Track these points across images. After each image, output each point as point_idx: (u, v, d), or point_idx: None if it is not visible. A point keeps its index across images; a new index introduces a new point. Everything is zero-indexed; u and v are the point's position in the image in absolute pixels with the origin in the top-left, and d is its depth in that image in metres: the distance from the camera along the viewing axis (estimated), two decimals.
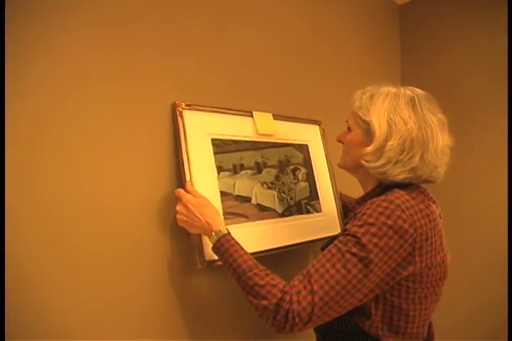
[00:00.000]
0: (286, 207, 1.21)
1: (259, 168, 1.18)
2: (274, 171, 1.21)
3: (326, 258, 0.81)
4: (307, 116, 1.39)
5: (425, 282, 0.87)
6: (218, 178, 1.07)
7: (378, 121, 0.90)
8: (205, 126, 1.08)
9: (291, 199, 1.23)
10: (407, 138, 0.88)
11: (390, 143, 0.88)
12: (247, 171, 1.14)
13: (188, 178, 1.00)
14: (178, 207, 0.95)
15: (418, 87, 0.96)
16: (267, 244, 1.11)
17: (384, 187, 0.94)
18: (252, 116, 1.20)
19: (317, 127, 1.42)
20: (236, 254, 0.87)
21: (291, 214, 1.22)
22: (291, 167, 1.27)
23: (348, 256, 0.79)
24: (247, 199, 1.12)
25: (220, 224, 0.93)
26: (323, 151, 1.40)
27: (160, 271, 0.95)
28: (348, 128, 1.01)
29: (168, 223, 0.99)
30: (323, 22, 1.60)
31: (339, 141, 1.05)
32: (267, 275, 0.84)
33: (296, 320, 0.77)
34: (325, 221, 1.32)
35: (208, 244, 0.98)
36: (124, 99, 0.95)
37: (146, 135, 0.99)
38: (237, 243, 0.90)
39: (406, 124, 0.88)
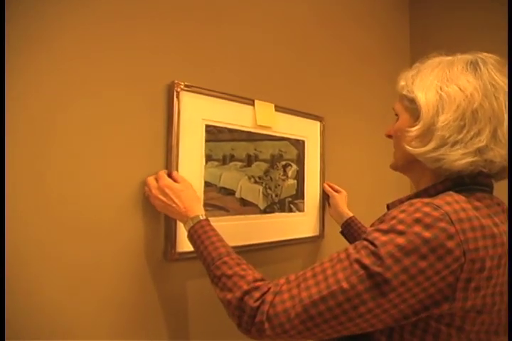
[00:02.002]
0: (269, 203, 1.18)
1: (249, 161, 1.13)
2: (264, 165, 1.17)
3: (331, 263, 0.64)
4: (310, 110, 1.33)
5: (467, 331, 0.63)
6: (205, 168, 1.02)
7: (425, 93, 0.69)
8: (201, 111, 1.02)
9: (276, 196, 1.20)
10: (467, 108, 0.65)
11: (442, 117, 0.66)
12: (237, 163, 1.09)
13: (174, 164, 0.95)
14: (154, 191, 0.87)
15: None
16: (244, 240, 1.09)
17: (442, 187, 0.70)
18: (253, 104, 1.14)
19: (318, 123, 1.36)
20: (207, 241, 0.78)
21: (273, 212, 1.19)
22: (283, 163, 1.23)
23: (355, 266, 0.60)
24: (231, 193, 1.08)
25: (198, 209, 0.85)
26: (319, 149, 1.36)
27: (131, 261, 0.90)
28: (396, 115, 0.80)
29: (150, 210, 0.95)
30: (332, 12, 1.52)
31: (388, 136, 0.83)
32: (238, 264, 0.73)
33: (266, 326, 0.63)
34: (305, 221, 1.30)
35: (181, 235, 0.95)
36: (119, 77, 0.88)
37: (141, 116, 0.92)
38: (213, 229, 0.82)
39: (463, 91, 0.66)
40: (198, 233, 0.81)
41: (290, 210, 1.25)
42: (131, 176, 0.91)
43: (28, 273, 0.76)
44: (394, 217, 0.63)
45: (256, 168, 1.15)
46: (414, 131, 0.70)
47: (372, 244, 0.61)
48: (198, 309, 1.02)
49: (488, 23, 1.78)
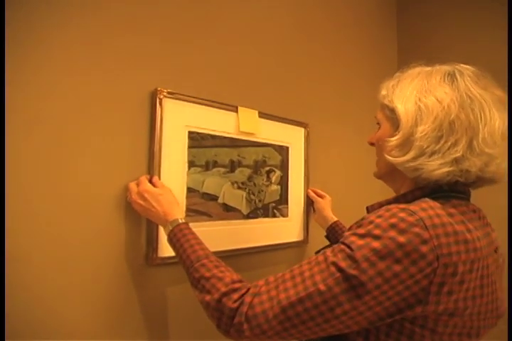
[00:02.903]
0: (252, 209, 1.19)
1: (232, 167, 1.14)
2: (247, 171, 1.18)
3: (309, 266, 0.66)
4: (294, 117, 1.35)
5: (440, 333, 0.65)
6: (188, 173, 1.03)
7: (404, 104, 0.71)
8: (184, 117, 1.03)
9: (259, 201, 1.21)
10: (444, 120, 0.67)
11: (421, 128, 0.67)
12: (220, 169, 1.11)
13: (156, 170, 0.96)
14: (134, 196, 0.89)
15: None
16: (227, 245, 1.10)
17: (420, 193, 0.72)
18: (236, 111, 1.15)
19: (302, 130, 1.38)
20: (186, 244, 0.80)
21: (256, 217, 1.20)
22: (267, 168, 1.24)
23: (332, 269, 0.62)
24: (214, 198, 1.09)
25: (176, 213, 0.87)
26: (303, 155, 1.38)
27: (112, 266, 0.91)
28: (378, 124, 0.82)
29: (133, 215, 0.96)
30: (317, 18, 1.54)
31: (371, 144, 0.85)
32: (216, 267, 0.74)
33: (244, 326, 0.65)
34: (289, 226, 1.31)
35: (163, 239, 0.96)
36: (102, 82, 0.90)
37: (123, 122, 0.93)
38: (192, 232, 0.83)
39: (441, 103, 0.68)
40: (177, 237, 0.83)
41: (274, 215, 1.26)
42: (113, 182, 0.92)
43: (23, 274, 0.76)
44: (371, 222, 0.64)
45: (239, 173, 1.16)
46: (394, 140, 0.72)
47: (348, 247, 0.63)
48: (179, 313, 1.02)
49: (475, 32, 1.81)
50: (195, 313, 1.05)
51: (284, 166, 1.30)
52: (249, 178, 1.19)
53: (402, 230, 0.61)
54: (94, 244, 0.88)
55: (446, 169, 0.67)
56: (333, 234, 1.27)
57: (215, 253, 1.09)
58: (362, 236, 0.63)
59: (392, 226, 0.62)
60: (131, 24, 0.95)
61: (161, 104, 0.98)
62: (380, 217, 0.64)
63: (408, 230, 0.61)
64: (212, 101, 1.10)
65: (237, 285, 0.70)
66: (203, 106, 1.07)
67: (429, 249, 0.60)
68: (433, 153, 0.67)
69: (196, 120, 1.06)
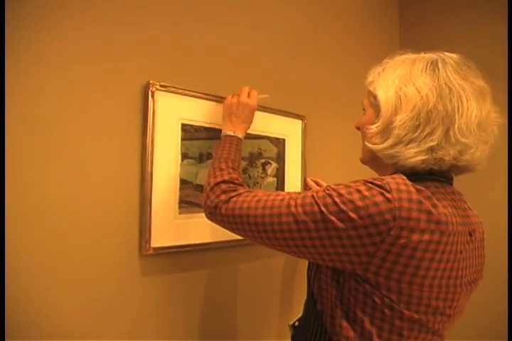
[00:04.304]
0: None
1: None
2: (242, 163, 1.19)
3: (295, 195, 0.73)
4: (291, 109, 1.35)
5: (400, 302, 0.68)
6: (181, 165, 1.05)
7: (385, 92, 0.73)
8: (177, 110, 1.04)
9: None
10: (422, 109, 0.69)
11: (399, 117, 0.70)
12: None
13: (148, 162, 0.98)
14: (233, 99, 1.05)
15: None
16: (222, 236, 1.11)
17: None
18: None
19: (299, 122, 1.38)
20: (220, 151, 0.96)
21: None
22: (262, 161, 1.25)
23: (307, 199, 0.70)
24: None
25: (241, 130, 1.02)
26: (300, 148, 1.38)
27: (105, 256, 0.93)
28: (363, 110, 0.85)
29: (127, 208, 0.97)
30: (315, 10, 1.53)
31: (358, 129, 0.88)
32: (229, 173, 0.89)
33: (217, 211, 0.83)
34: None
35: (156, 229, 0.98)
36: (94, 76, 0.91)
37: (115, 115, 0.95)
38: (230, 145, 0.97)
39: (419, 92, 0.70)
40: (223, 142, 0.99)
41: None
42: (106, 174, 0.94)
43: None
44: (340, 183, 0.72)
45: None
46: (374, 128, 0.75)
47: (311, 195, 0.71)
48: (173, 303, 1.04)
49: (478, 23, 1.78)
50: (189, 302, 1.08)
51: (280, 158, 1.31)
52: (244, 170, 1.20)
53: (369, 188, 0.67)
54: (88, 234, 0.90)
55: (421, 157, 0.70)
56: None
57: (210, 244, 1.12)
58: (337, 185, 0.70)
59: (363, 184, 0.68)
60: (123, 17, 0.96)
61: (153, 96, 0.99)
62: (353, 181, 0.71)
63: (373, 188, 0.66)
64: (206, 94, 1.10)
65: (239, 181, 0.88)
66: (197, 99, 1.08)
67: (388, 209, 0.64)
68: (410, 142, 0.70)
69: (189, 112, 1.07)
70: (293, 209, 0.70)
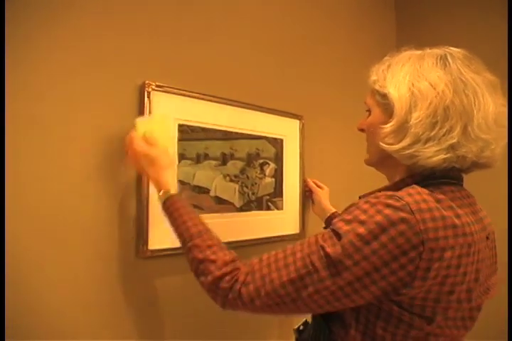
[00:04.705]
0: (245, 201, 1.19)
1: (224, 159, 1.14)
2: (240, 164, 1.18)
3: (301, 247, 0.68)
4: (289, 109, 1.34)
5: (428, 318, 0.66)
6: (178, 166, 1.03)
7: (397, 90, 0.69)
8: (173, 110, 1.03)
9: (252, 194, 1.21)
10: (439, 105, 0.66)
11: (416, 114, 0.66)
12: (211, 161, 1.11)
13: None
14: (130, 155, 0.88)
15: None
16: (220, 238, 1.10)
17: (411, 181, 0.71)
18: (228, 104, 1.15)
19: (297, 122, 1.37)
20: (179, 220, 0.80)
21: (250, 210, 1.20)
22: (260, 161, 1.24)
23: (321, 253, 0.64)
24: (205, 191, 1.09)
25: (169, 182, 0.85)
26: (298, 148, 1.37)
27: (102, 259, 0.91)
28: (368, 111, 0.81)
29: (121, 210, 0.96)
30: (311, 10, 1.52)
31: (361, 130, 0.85)
32: (209, 247, 0.75)
33: (238, 303, 0.69)
34: (284, 219, 1.31)
35: (153, 232, 0.97)
36: (90, 76, 0.90)
37: (111, 116, 0.93)
38: (184, 205, 0.82)
39: (435, 88, 0.66)
40: (170, 211, 0.82)
41: (268, 208, 1.26)
42: (102, 176, 0.92)
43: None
44: (358, 207, 0.66)
45: (232, 166, 1.16)
46: (389, 127, 0.70)
47: (336, 234, 0.65)
48: (170, 305, 1.03)
49: (476, 23, 1.78)
50: (186, 305, 1.06)
51: (278, 159, 1.30)
52: (242, 171, 1.19)
53: (387, 215, 0.61)
54: (83, 236, 0.89)
55: (442, 156, 0.66)
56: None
57: None
58: (348, 221, 0.64)
59: (378, 211, 0.62)
60: (119, 18, 0.95)
61: (149, 97, 0.98)
62: (367, 202, 0.65)
63: (394, 215, 0.61)
64: (203, 94, 1.09)
65: (229, 267, 0.72)
66: (193, 99, 1.07)
67: (415, 233, 0.60)
68: (428, 140, 0.67)
69: (186, 113, 1.06)
70: (322, 274, 0.64)
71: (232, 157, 1.16)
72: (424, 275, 0.61)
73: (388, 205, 0.62)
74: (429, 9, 1.91)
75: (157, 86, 0.99)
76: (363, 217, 0.63)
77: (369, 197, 0.67)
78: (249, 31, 1.26)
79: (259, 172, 1.23)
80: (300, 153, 1.37)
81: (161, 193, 0.85)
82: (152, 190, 0.97)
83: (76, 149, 0.88)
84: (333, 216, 1.28)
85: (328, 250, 0.63)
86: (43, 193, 0.83)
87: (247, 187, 1.20)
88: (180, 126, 1.04)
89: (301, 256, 0.66)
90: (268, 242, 1.26)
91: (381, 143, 0.72)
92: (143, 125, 0.89)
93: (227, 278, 0.70)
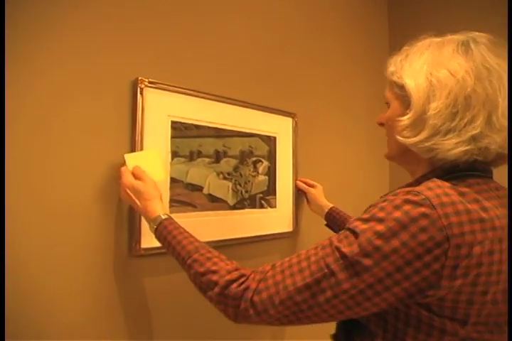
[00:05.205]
0: (239, 199, 1.18)
1: (217, 157, 1.13)
2: (233, 161, 1.18)
3: (315, 251, 0.64)
4: (282, 107, 1.34)
5: (461, 321, 0.60)
6: (171, 164, 1.02)
7: (414, 80, 0.66)
8: (166, 107, 1.02)
9: (246, 192, 1.20)
10: (459, 94, 0.62)
11: (434, 105, 0.63)
12: (204, 159, 1.10)
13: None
14: (120, 188, 0.89)
15: None
16: (213, 236, 1.09)
17: (433, 176, 0.66)
18: (222, 101, 1.14)
19: (290, 120, 1.37)
20: (174, 241, 0.77)
21: (243, 208, 1.19)
22: (253, 159, 1.24)
23: (337, 254, 0.60)
24: (199, 188, 1.08)
25: (157, 209, 0.83)
26: (291, 145, 1.37)
27: (94, 257, 0.90)
28: (387, 104, 0.77)
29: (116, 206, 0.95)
30: (304, 7, 1.52)
31: (380, 124, 0.80)
32: (209, 259, 0.72)
33: (251, 312, 0.64)
34: (277, 217, 1.31)
35: (146, 230, 0.95)
36: (82, 72, 0.88)
37: (104, 112, 0.92)
38: (177, 227, 0.80)
39: (455, 76, 0.62)
40: (163, 235, 0.80)
41: (261, 206, 1.25)
42: (95, 174, 0.91)
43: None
44: (375, 206, 0.63)
45: (225, 164, 1.15)
46: (405, 120, 0.67)
47: (353, 232, 0.61)
48: (163, 304, 1.02)
49: (473, 24, 1.78)
50: (179, 303, 1.06)
51: (271, 156, 1.29)
52: (235, 169, 1.18)
53: (407, 211, 0.58)
54: (76, 235, 0.87)
55: (463, 148, 0.62)
56: (332, 220, 1.28)
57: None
58: (366, 220, 0.61)
59: (397, 207, 0.59)
60: (112, 13, 0.94)
61: (142, 93, 0.97)
62: (385, 200, 0.62)
63: (413, 210, 0.57)
64: (196, 91, 1.08)
65: (234, 275, 0.68)
66: (186, 96, 1.06)
67: (438, 229, 0.56)
68: (448, 132, 0.63)
69: (179, 110, 1.05)
70: (339, 276, 0.60)
71: (225, 154, 1.15)
72: (452, 273, 0.57)
73: (407, 201, 0.59)
74: (423, 9, 1.92)
75: (150, 82, 0.98)
76: (381, 214, 0.60)
77: (388, 195, 0.64)
78: (243, 29, 1.25)
79: (252, 170, 1.23)
80: (293, 150, 1.37)
81: (151, 223, 0.83)
82: None
83: (66, 146, 0.87)
84: (331, 211, 1.29)
85: (344, 250, 0.59)
86: (40, 191, 0.82)
87: (240, 185, 1.19)
88: (173, 123, 1.03)
89: (315, 259, 0.62)
90: (261, 240, 1.26)
91: (398, 137, 0.68)
92: (132, 159, 0.91)
93: (234, 285, 0.66)
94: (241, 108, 1.20)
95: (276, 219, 1.30)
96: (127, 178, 0.87)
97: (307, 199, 1.39)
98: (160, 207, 0.85)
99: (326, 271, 0.60)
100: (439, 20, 1.83)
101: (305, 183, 1.39)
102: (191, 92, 1.07)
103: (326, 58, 1.59)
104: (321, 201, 1.34)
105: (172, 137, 1.03)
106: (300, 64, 1.46)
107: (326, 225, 1.31)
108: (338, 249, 0.60)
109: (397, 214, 0.58)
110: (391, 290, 0.58)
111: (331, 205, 1.31)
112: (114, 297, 0.93)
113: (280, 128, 1.33)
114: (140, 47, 0.99)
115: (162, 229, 0.81)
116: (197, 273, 0.71)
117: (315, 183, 1.39)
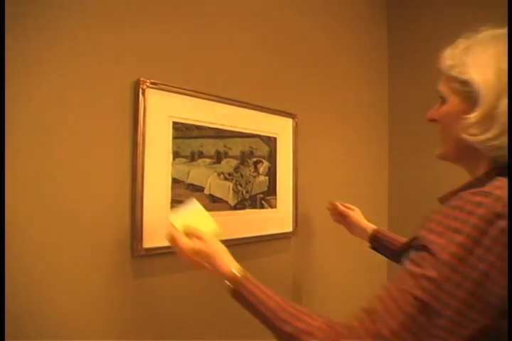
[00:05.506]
0: (239, 200, 1.19)
1: (218, 158, 1.14)
2: (234, 162, 1.18)
3: (396, 287, 0.58)
4: (282, 108, 1.34)
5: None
6: (173, 164, 1.03)
7: (482, 74, 0.63)
8: (168, 108, 1.03)
9: (246, 192, 1.21)
10: None
11: (504, 101, 0.60)
12: (205, 159, 1.11)
13: (140, 161, 0.96)
14: (180, 256, 0.79)
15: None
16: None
17: (495, 174, 0.64)
18: (222, 102, 1.14)
19: (290, 120, 1.38)
20: (256, 301, 0.69)
21: (244, 208, 1.20)
22: (254, 159, 1.24)
23: (423, 282, 0.55)
24: (200, 189, 1.09)
25: (229, 270, 0.74)
26: (291, 146, 1.37)
27: (96, 257, 0.90)
28: (441, 98, 0.73)
29: (114, 206, 0.95)
30: (304, 10, 1.53)
31: (432, 120, 0.76)
32: (299, 319, 0.64)
33: None
34: (278, 217, 1.31)
35: (147, 230, 0.96)
36: (84, 73, 0.89)
37: (105, 113, 0.92)
38: (256, 285, 0.72)
39: None
40: (243, 294, 0.71)
41: (262, 207, 1.26)
42: (96, 172, 0.91)
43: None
44: (445, 216, 0.59)
45: (226, 164, 1.16)
46: (473, 117, 0.64)
47: (430, 250, 0.57)
48: (164, 304, 1.02)
49: (470, 17, 1.78)
50: (181, 303, 1.06)
51: (272, 157, 1.30)
52: (236, 169, 1.19)
53: (482, 215, 0.55)
54: (79, 235, 0.88)
55: None
56: (378, 242, 1.18)
57: None
58: (441, 233, 0.57)
59: (470, 213, 0.56)
60: (114, 15, 0.94)
61: (144, 94, 0.97)
62: (455, 207, 0.58)
63: (489, 212, 0.55)
64: (198, 92, 1.09)
65: (332, 334, 0.60)
66: (188, 97, 1.07)
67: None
68: None
69: (181, 110, 1.05)
70: (434, 304, 0.55)
71: (226, 155, 1.16)
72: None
73: (479, 204, 0.56)
74: (422, 10, 1.92)
75: (152, 83, 0.99)
76: (455, 224, 0.56)
77: (453, 200, 0.60)
78: (245, 30, 1.26)
79: (252, 170, 1.24)
80: (293, 151, 1.37)
81: (228, 283, 0.74)
82: (146, 188, 0.97)
83: (69, 147, 0.87)
84: (376, 232, 1.19)
85: (431, 274, 0.55)
86: (34, 191, 0.82)
87: (241, 185, 1.20)
88: (174, 123, 1.04)
89: (398, 295, 0.56)
90: (261, 240, 1.27)
91: (464, 135, 0.65)
92: (179, 220, 0.83)
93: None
94: (242, 109, 1.20)
95: (276, 219, 1.31)
96: (184, 243, 0.78)
97: (348, 223, 1.27)
98: (232, 263, 0.76)
99: (417, 303, 0.55)
100: (439, 20, 1.84)
101: (346, 207, 1.28)
102: (192, 93, 1.08)
103: (326, 59, 1.60)
104: (364, 223, 1.23)
105: (173, 138, 1.03)
106: (300, 65, 1.46)
107: (372, 248, 1.20)
108: (424, 276, 0.56)
109: (473, 220, 0.55)
110: (485, 298, 0.54)
111: (374, 227, 1.21)
112: (116, 297, 0.94)
113: (280, 129, 1.34)
114: (142, 49, 1.00)
115: (241, 289, 0.72)
116: (286, 336, 0.64)
117: (353, 206, 1.29)
